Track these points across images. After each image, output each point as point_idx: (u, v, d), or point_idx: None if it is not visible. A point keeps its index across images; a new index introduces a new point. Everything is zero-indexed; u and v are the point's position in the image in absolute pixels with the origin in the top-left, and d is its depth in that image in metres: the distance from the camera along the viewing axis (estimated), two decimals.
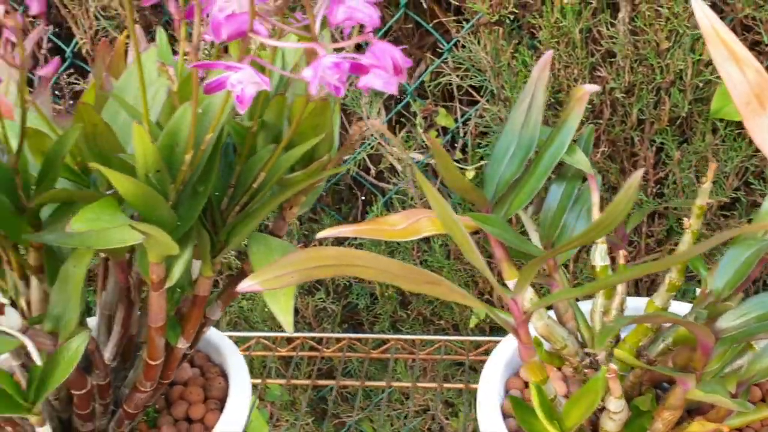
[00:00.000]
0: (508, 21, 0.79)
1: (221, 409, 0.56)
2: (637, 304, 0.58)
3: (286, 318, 0.41)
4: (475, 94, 0.88)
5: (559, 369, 0.59)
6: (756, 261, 0.45)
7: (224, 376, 0.60)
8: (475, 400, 0.54)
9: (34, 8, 0.31)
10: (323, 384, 0.94)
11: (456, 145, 0.90)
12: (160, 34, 0.44)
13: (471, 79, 0.85)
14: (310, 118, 0.38)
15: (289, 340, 0.98)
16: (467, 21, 0.82)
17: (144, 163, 0.33)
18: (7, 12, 0.33)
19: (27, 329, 0.38)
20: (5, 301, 0.36)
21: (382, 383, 0.90)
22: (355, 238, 0.96)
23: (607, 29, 0.77)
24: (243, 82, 0.29)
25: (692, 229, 0.46)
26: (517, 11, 0.78)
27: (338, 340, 0.95)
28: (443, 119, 0.91)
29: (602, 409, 0.45)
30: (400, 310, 1.03)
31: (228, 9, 0.29)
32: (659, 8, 0.73)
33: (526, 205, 0.53)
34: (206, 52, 0.52)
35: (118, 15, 0.86)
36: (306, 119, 0.38)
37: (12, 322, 0.37)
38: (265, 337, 0.95)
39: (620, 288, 0.54)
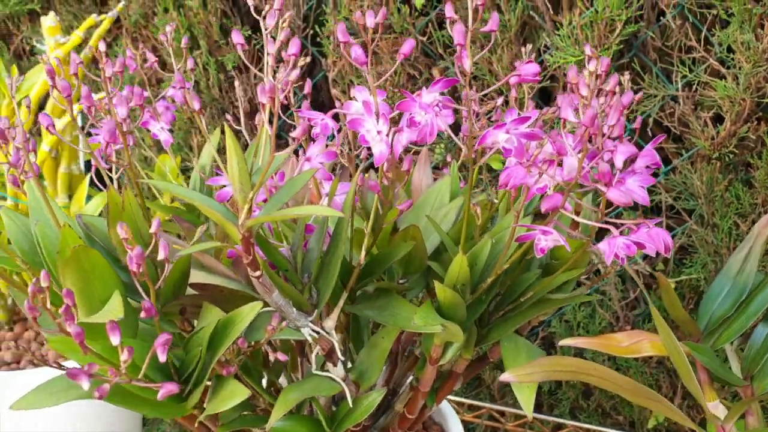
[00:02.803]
0: (727, 158, 0.87)
1: None
2: None
3: (527, 406, 0.51)
4: (684, 214, 0.95)
5: None
6: None
7: (438, 424, 0.71)
8: None
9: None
10: None
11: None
12: (453, 167, 0.58)
13: (683, 202, 0.93)
14: (572, 256, 0.49)
15: (475, 407, 1.08)
16: (686, 150, 0.91)
17: (456, 278, 0.46)
18: None
19: (345, 378, 0.51)
20: (342, 357, 0.50)
21: None
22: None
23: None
24: (548, 240, 0.41)
25: None
26: (736, 151, 0.85)
27: (520, 416, 1.04)
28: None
29: None
30: (582, 400, 1.11)
31: (543, 184, 0.41)
32: None
33: (733, 340, 0.61)
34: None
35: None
36: (569, 257, 0.49)
37: (339, 372, 0.51)
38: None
39: None
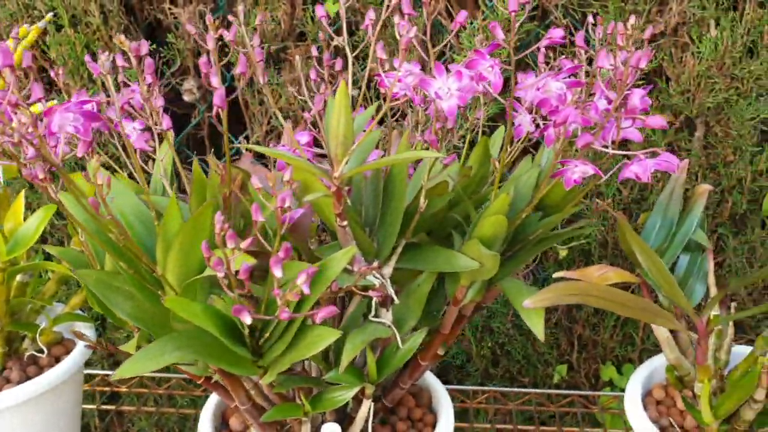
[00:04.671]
0: None
1: (431, 412, 0.74)
2: (741, 350, 0.78)
3: (538, 329, 0.60)
4: None
5: (680, 392, 0.78)
6: None
7: (425, 390, 0.78)
8: None
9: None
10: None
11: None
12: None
13: None
14: (563, 195, 0.59)
15: None
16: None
17: (498, 210, 0.53)
18: None
19: (394, 322, 0.56)
20: (397, 301, 0.55)
21: (487, 425, 1.08)
22: None
23: (685, 144, 1.00)
24: (578, 172, 0.50)
25: None
26: None
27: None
28: None
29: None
30: (491, 368, 1.22)
31: (576, 126, 0.50)
32: (729, 130, 0.97)
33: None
34: None
35: (294, 113, 1.08)
36: (561, 197, 0.59)
37: (390, 317, 0.56)
38: None
39: (729, 330, 0.74)
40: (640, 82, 0.97)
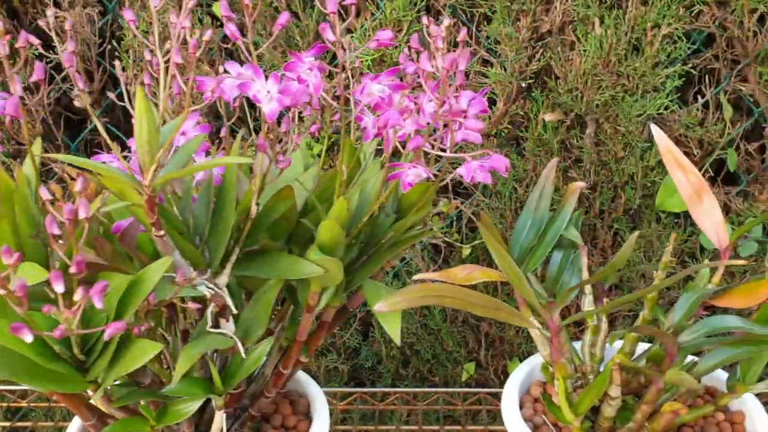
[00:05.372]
0: (503, 134, 1.02)
1: (307, 419, 0.73)
2: (615, 343, 0.79)
3: (394, 333, 0.59)
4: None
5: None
6: (700, 301, 0.66)
7: (303, 397, 0.77)
8: None
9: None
10: (343, 429, 1.10)
11: (453, 227, 1.12)
12: (302, 141, 0.65)
13: None
14: (418, 197, 0.58)
15: None
16: None
17: (338, 220, 0.52)
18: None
19: (236, 333, 0.55)
20: (235, 311, 0.54)
21: (392, 427, 1.08)
22: None
23: (577, 141, 1.01)
24: (413, 175, 0.49)
25: (659, 277, 0.68)
26: (510, 127, 1.01)
27: (348, 395, 1.12)
28: (444, 207, 1.13)
29: (600, 402, 0.65)
30: (401, 369, 1.21)
31: (403, 132, 0.49)
32: (618, 127, 0.98)
33: (536, 267, 0.74)
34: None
35: None
36: (416, 198, 0.58)
37: (231, 327, 0.55)
38: None
39: (604, 326, 0.75)
40: (530, 81, 0.98)
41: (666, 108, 0.96)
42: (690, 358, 0.68)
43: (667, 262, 0.66)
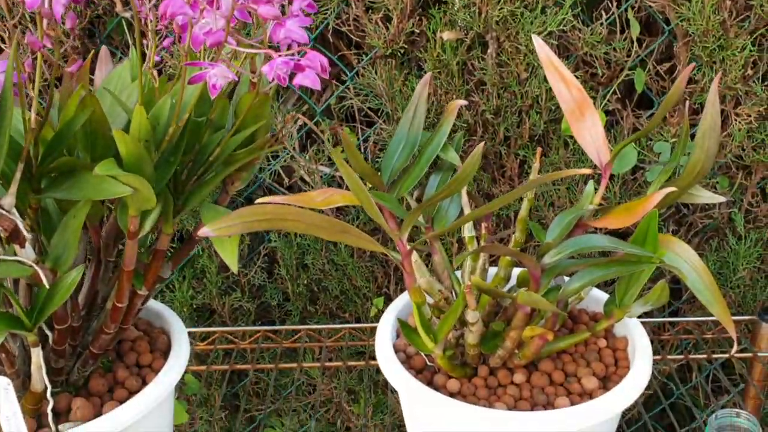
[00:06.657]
0: (399, 54, 0.96)
1: (166, 358, 0.68)
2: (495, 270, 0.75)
3: (231, 260, 0.54)
4: (373, 115, 1.04)
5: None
6: (574, 221, 0.62)
7: (166, 334, 0.72)
8: (374, 383, 0.69)
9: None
10: (241, 368, 1.06)
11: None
12: (132, 52, 0.58)
13: (370, 102, 1.01)
14: (253, 109, 0.52)
15: (208, 335, 1.10)
16: (366, 54, 0.99)
17: (138, 132, 0.46)
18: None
19: (38, 261, 0.49)
20: (29, 236, 0.48)
21: (294, 365, 1.04)
22: None
23: (479, 62, 0.95)
24: (217, 76, 0.43)
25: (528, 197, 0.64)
26: (407, 47, 0.95)
27: (254, 333, 1.08)
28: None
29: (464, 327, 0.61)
30: (310, 306, 1.17)
31: (207, 27, 0.43)
32: (519, 46, 0.92)
33: (412, 190, 0.69)
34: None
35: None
36: (250, 111, 0.52)
37: (29, 254, 0.49)
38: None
39: (482, 255, 0.70)
40: None
41: (569, 24, 0.91)
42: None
43: (534, 179, 0.61)
